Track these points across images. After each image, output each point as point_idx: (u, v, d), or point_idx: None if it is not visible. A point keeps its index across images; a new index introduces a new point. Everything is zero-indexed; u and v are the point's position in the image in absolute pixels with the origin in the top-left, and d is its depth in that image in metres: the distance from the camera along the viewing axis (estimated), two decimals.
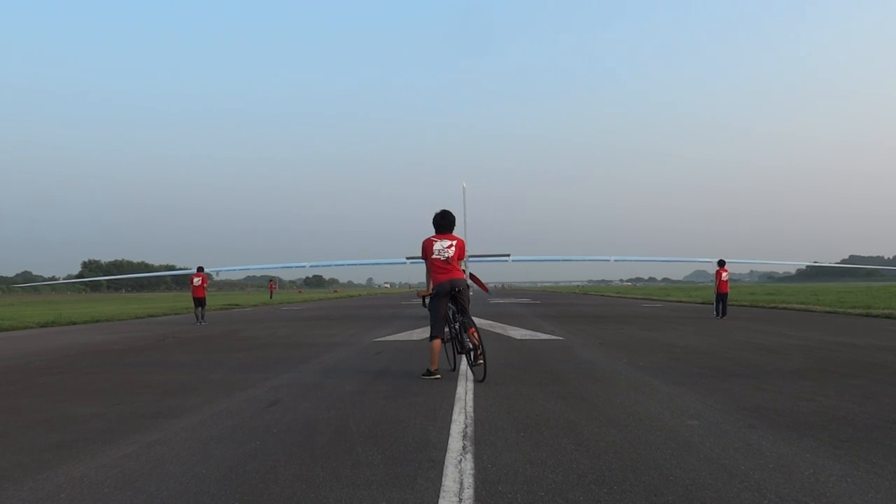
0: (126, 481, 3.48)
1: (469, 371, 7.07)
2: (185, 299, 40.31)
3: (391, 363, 8.54)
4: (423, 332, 12.08)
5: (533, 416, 4.94)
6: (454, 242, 7.03)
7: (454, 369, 7.41)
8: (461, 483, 3.34)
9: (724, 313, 18.44)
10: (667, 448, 3.97)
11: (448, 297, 6.95)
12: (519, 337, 12.37)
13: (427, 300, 7.25)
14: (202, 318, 19.11)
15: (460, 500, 3.10)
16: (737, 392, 5.92)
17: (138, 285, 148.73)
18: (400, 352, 9.97)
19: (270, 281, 70.84)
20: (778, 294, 40.55)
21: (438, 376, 6.88)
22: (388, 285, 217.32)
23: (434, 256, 6.96)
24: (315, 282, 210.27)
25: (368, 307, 32.25)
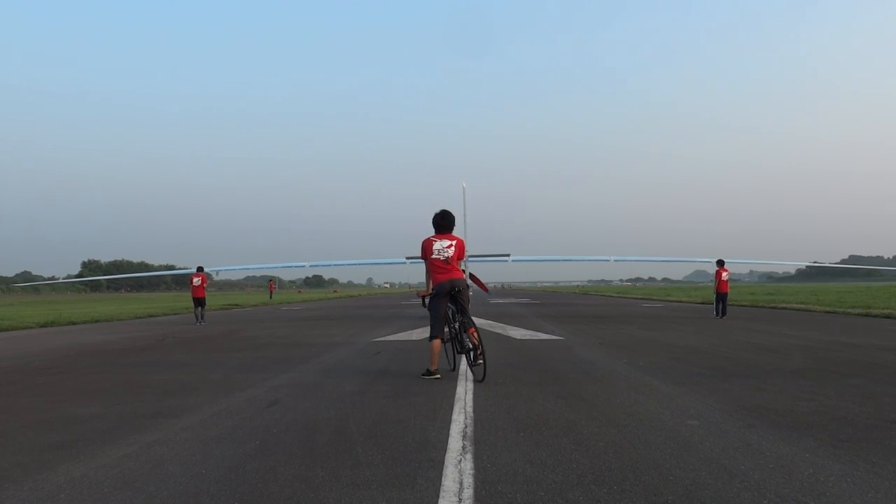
0: (126, 481, 3.48)
1: (469, 371, 7.07)
2: (185, 299, 40.31)
3: (391, 363, 8.55)
4: (423, 332, 12.07)
5: (533, 416, 4.94)
6: (454, 242, 7.03)
7: (454, 369, 7.41)
8: (461, 483, 3.34)
9: (723, 313, 18.44)
10: (667, 448, 3.97)
11: (448, 297, 6.95)
12: (519, 337, 12.37)
13: (427, 300, 7.25)
14: (202, 318, 19.11)
15: (460, 499, 3.10)
16: (737, 392, 5.92)
17: (138, 285, 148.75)
18: (400, 352, 9.97)
19: (270, 281, 70.83)
20: (778, 294, 40.56)
21: (438, 376, 6.88)
22: (387, 285, 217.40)
23: (434, 256, 6.97)
24: (315, 282, 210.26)
25: (368, 307, 32.26)
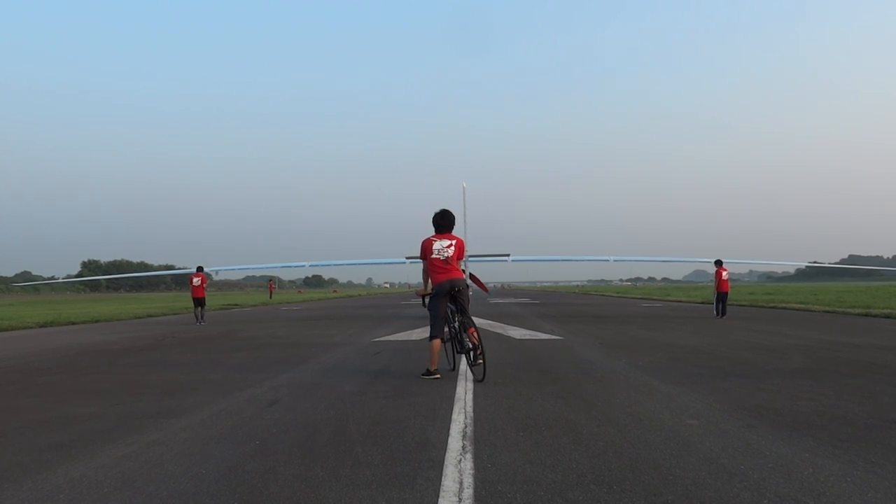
0: (125, 481, 3.48)
1: (469, 371, 7.07)
2: (185, 299, 40.30)
3: (391, 363, 8.54)
4: (423, 332, 12.08)
5: (532, 416, 4.95)
6: (454, 242, 7.03)
7: (454, 369, 7.41)
8: (461, 483, 3.34)
9: (723, 313, 18.44)
10: (666, 448, 3.97)
11: (448, 296, 6.95)
12: (518, 337, 12.37)
13: (426, 300, 7.26)
14: (202, 318, 19.10)
15: (460, 499, 3.10)
16: (736, 392, 5.92)
17: (138, 285, 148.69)
18: (399, 352, 9.97)
19: (270, 281, 70.82)
20: (777, 294, 40.57)
21: (438, 376, 6.88)
22: (387, 285, 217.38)
23: (434, 256, 6.97)
24: (314, 282, 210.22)
25: (368, 307, 32.25)
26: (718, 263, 19.36)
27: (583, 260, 30.93)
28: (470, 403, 5.48)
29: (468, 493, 3.19)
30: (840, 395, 5.73)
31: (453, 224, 7.23)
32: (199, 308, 19.21)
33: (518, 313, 22.70)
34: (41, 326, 18.54)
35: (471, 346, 6.79)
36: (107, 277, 77.47)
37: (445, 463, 3.69)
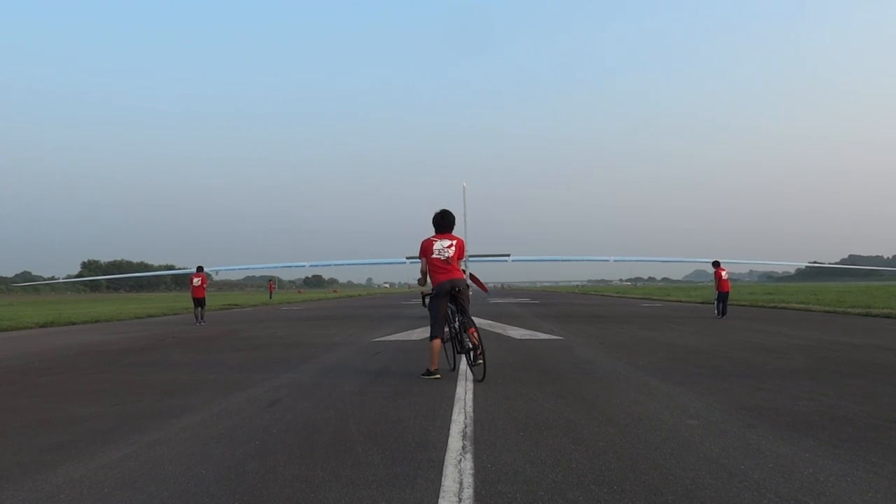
0: (126, 481, 3.48)
1: (469, 371, 7.07)
2: (185, 299, 40.30)
3: (391, 363, 8.54)
4: (423, 332, 12.08)
5: (532, 416, 4.94)
6: (454, 242, 7.03)
7: (454, 369, 7.41)
8: (461, 483, 3.34)
9: (724, 313, 18.44)
10: (666, 448, 3.97)
11: (448, 296, 6.96)
12: (518, 337, 12.37)
13: (426, 300, 7.26)
14: (202, 318, 19.10)
15: (460, 499, 3.10)
16: (736, 392, 5.92)
17: (138, 285, 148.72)
18: (399, 352, 9.97)
19: (270, 281, 70.83)
20: (777, 294, 40.56)
21: (438, 376, 6.88)
22: (387, 285, 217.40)
23: (434, 256, 6.97)
24: (314, 282, 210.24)
25: (368, 307, 32.25)
26: (716, 265, 19.35)
27: (583, 260, 30.92)
28: (470, 403, 5.48)
29: (468, 493, 3.19)
30: (840, 395, 5.73)
31: (453, 224, 7.23)
32: (200, 308, 19.21)
33: (518, 313, 22.69)
34: (41, 326, 18.54)
35: (471, 346, 6.79)
36: (107, 277, 77.53)
37: (445, 463, 3.69)
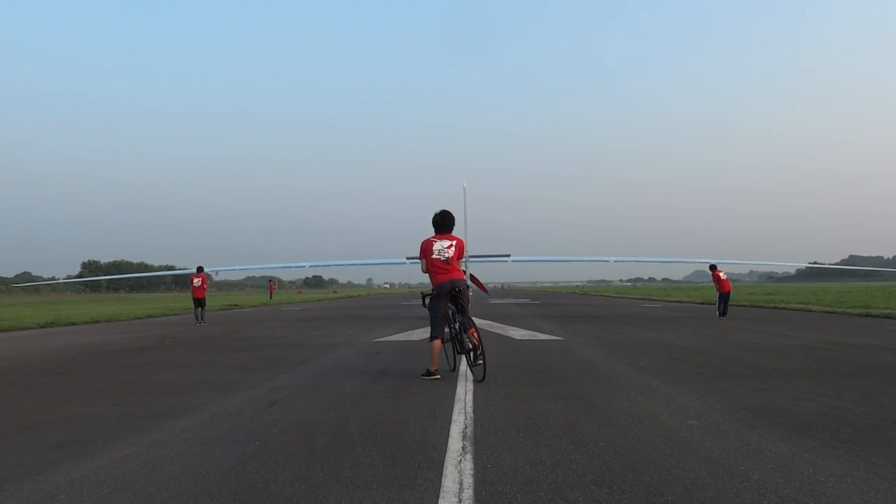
0: (126, 482, 3.48)
1: (469, 371, 7.07)
2: (185, 300, 40.30)
3: (391, 363, 8.54)
4: (423, 333, 12.08)
5: (532, 417, 4.94)
6: (454, 242, 7.04)
7: (454, 369, 7.41)
8: (461, 483, 3.34)
9: (724, 313, 18.44)
10: (666, 448, 3.97)
11: (448, 297, 6.96)
12: (519, 337, 12.37)
13: (426, 300, 7.26)
14: (202, 318, 19.10)
15: (460, 500, 3.10)
16: (736, 392, 5.92)
17: (138, 286, 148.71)
18: (399, 352, 9.97)
19: (270, 281, 70.83)
20: (777, 294, 40.56)
21: (438, 377, 6.88)
22: (387, 286, 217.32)
23: (434, 257, 6.97)
24: (315, 282, 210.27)
25: (368, 307, 32.25)
26: (713, 268, 19.39)
27: (583, 260, 30.94)
28: (470, 404, 5.48)
29: (468, 493, 3.19)
30: (840, 395, 5.73)
31: (453, 224, 7.24)
32: (200, 308, 19.21)
33: (518, 314, 22.69)
34: (41, 327, 18.54)
35: (471, 346, 6.79)
36: (107, 278, 77.38)
37: (445, 464, 3.69)
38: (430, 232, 7.20)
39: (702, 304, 29.06)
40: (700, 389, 6.09)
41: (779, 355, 8.88)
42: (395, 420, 4.91)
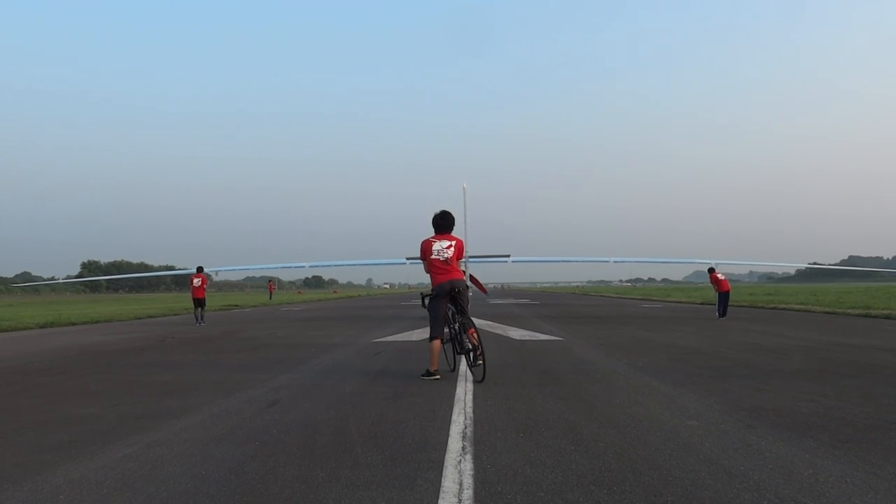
0: (125, 482, 3.48)
1: (468, 372, 7.07)
2: (185, 300, 40.29)
3: (390, 364, 8.54)
4: (423, 333, 12.08)
5: (532, 417, 4.95)
6: (453, 243, 7.04)
7: (454, 370, 7.41)
8: (460, 484, 3.34)
9: (724, 313, 18.47)
10: (666, 448, 3.97)
11: (447, 297, 6.96)
12: (518, 337, 12.37)
13: (426, 300, 7.26)
14: (202, 318, 19.09)
15: (460, 500, 3.10)
16: (736, 392, 5.92)
17: (138, 286, 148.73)
18: (399, 352, 9.97)
19: (270, 281, 70.83)
20: (777, 294, 40.57)
21: (438, 377, 6.88)
22: (387, 286, 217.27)
23: (433, 257, 6.97)
24: (314, 282, 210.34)
25: (368, 308, 32.25)
26: (711, 271, 19.80)
27: (583, 261, 30.98)
28: (470, 404, 5.48)
29: (468, 493, 3.19)
30: (840, 396, 5.73)
31: (453, 225, 7.24)
32: (200, 309, 19.21)
33: (518, 314, 22.70)
34: (41, 327, 18.54)
35: (471, 346, 6.79)
36: (107, 278, 77.38)
37: (445, 464, 3.69)
38: (430, 232, 7.20)
39: (701, 304, 29.07)
40: (700, 390, 6.09)
41: (779, 356, 8.88)
42: (395, 420, 4.91)
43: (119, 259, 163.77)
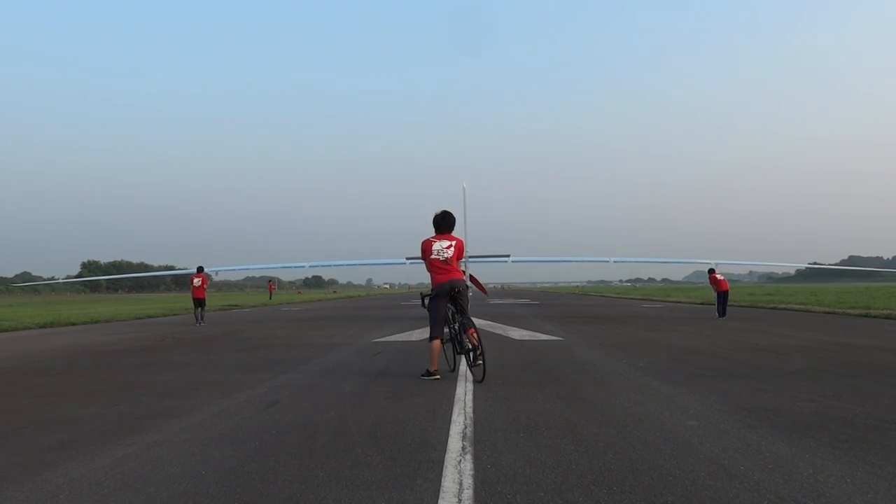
0: (125, 482, 3.48)
1: (468, 372, 7.07)
2: (185, 300, 40.30)
3: (390, 364, 8.54)
4: (423, 333, 12.08)
5: (532, 417, 4.95)
6: (453, 243, 7.04)
7: (454, 370, 7.41)
8: (460, 484, 3.34)
9: (724, 313, 18.49)
10: (666, 448, 3.97)
11: (447, 297, 6.96)
12: (518, 337, 12.37)
13: (426, 300, 7.26)
14: (202, 318, 19.09)
15: (459, 500, 3.10)
16: (736, 392, 5.92)
17: (137, 286, 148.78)
18: (399, 352, 9.97)
19: (270, 281, 70.83)
20: (777, 294, 40.57)
21: (438, 377, 6.88)
22: (387, 286, 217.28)
23: (433, 257, 6.97)
24: (314, 282, 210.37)
25: (367, 308, 32.25)
26: (711, 271, 20.03)
27: (583, 261, 30.97)
28: (470, 404, 5.48)
29: (468, 493, 3.19)
30: (840, 395, 5.73)
31: (453, 225, 7.24)
32: (200, 309, 19.21)
33: (518, 314, 22.70)
34: (41, 327, 18.54)
35: (470, 346, 6.79)
36: (107, 278, 77.43)
37: (445, 464, 3.69)
38: (431, 232, 7.20)
39: (701, 304, 29.07)
40: (700, 390, 6.09)
41: (779, 356, 8.88)
42: (395, 420, 4.91)
43: (119, 259, 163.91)
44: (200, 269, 20.78)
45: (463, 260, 7.69)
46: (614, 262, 29.63)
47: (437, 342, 6.97)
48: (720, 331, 13.66)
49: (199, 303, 19.26)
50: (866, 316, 18.47)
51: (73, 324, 20.01)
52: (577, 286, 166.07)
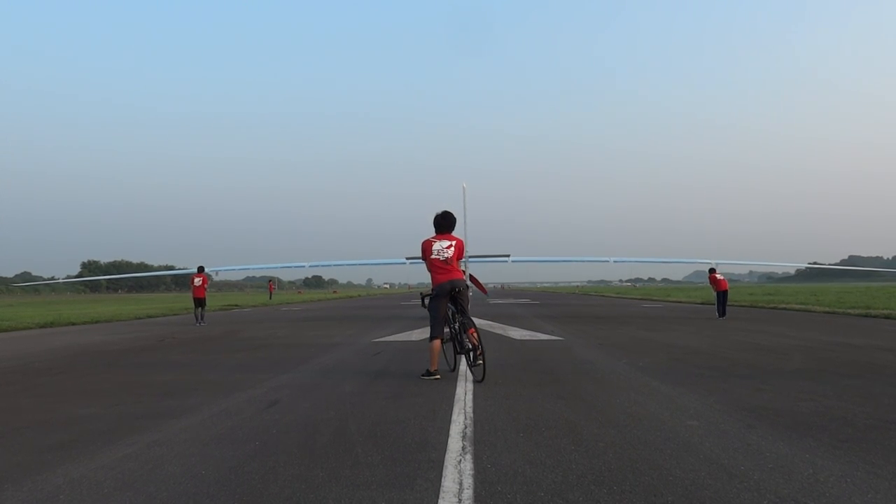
0: (125, 482, 3.48)
1: (468, 371, 7.07)
2: (185, 300, 40.31)
3: (390, 363, 8.54)
4: (423, 333, 12.08)
5: (532, 417, 4.95)
6: (453, 243, 7.04)
7: (454, 370, 7.41)
8: (460, 483, 3.34)
9: (724, 313, 18.50)
10: (666, 448, 3.97)
11: (448, 297, 6.96)
12: (518, 337, 12.37)
13: (426, 300, 7.26)
14: (202, 318, 19.10)
15: (459, 500, 3.10)
16: (736, 392, 5.92)
17: (137, 286, 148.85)
18: (399, 352, 9.97)
19: (270, 281, 70.84)
20: (777, 294, 40.56)
21: (438, 377, 6.88)
22: (387, 286, 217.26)
23: (433, 257, 6.97)
24: (314, 282, 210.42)
25: (367, 308, 32.25)
26: (711, 271, 20.12)
27: (583, 261, 30.95)
28: (470, 404, 5.48)
29: (468, 493, 3.19)
30: (840, 395, 5.73)
31: (454, 225, 7.24)
32: (200, 308, 19.22)
33: (518, 314, 22.70)
34: (41, 327, 18.54)
35: (471, 346, 6.79)
36: (107, 278, 77.55)
37: (445, 464, 3.69)
38: (431, 232, 7.21)
39: (701, 304, 29.06)
40: (700, 390, 6.09)
41: (779, 355, 8.88)
42: (395, 420, 4.91)
43: (119, 259, 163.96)
44: (201, 269, 20.78)
45: (463, 260, 7.68)
46: (614, 261, 29.62)
47: (437, 342, 6.97)
48: (720, 330, 13.66)
49: (200, 302, 19.26)
50: (866, 316, 18.46)
51: (74, 324, 20.01)
52: (578, 286, 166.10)
